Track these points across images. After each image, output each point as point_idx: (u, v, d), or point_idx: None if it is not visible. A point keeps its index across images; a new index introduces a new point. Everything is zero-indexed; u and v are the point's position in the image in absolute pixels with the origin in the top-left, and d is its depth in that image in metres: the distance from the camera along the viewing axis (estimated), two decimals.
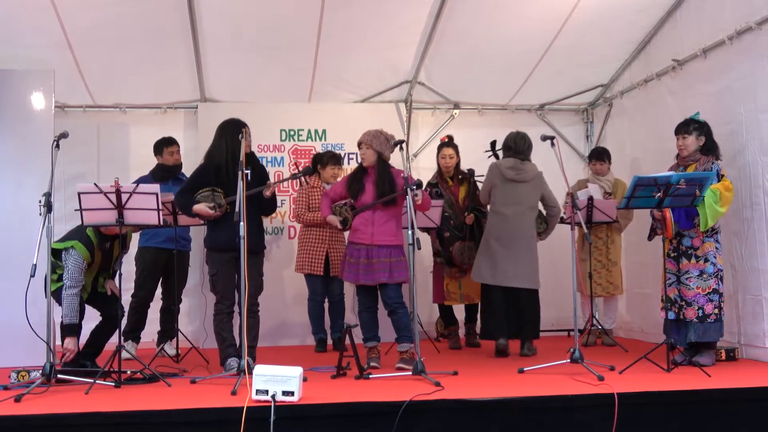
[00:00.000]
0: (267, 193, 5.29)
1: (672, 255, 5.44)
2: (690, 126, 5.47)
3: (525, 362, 5.32)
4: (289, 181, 7.04)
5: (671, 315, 5.39)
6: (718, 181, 5.27)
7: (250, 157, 5.43)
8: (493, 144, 6.74)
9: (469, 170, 6.88)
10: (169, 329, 6.47)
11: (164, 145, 6.66)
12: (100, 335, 5.31)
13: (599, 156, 7.01)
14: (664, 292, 5.44)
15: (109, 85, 7.11)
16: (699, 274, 5.32)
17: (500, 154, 6.48)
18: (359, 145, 5.58)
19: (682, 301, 5.34)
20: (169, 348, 6.38)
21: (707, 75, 6.09)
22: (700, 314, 5.28)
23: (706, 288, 5.31)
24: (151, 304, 6.51)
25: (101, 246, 5.17)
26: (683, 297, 5.34)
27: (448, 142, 6.93)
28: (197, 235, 6.91)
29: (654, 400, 4.29)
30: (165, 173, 6.56)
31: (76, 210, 4.89)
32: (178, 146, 6.75)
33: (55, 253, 5.03)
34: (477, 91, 7.76)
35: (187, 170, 6.77)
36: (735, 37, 5.70)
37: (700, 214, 5.23)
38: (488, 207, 6.40)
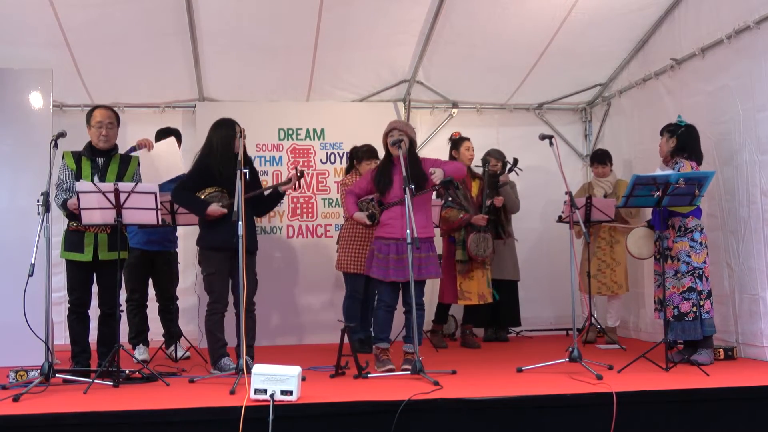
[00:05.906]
0: (289, 188, 5.48)
1: (657, 257, 5.52)
2: (664, 129, 5.62)
3: (523, 361, 5.32)
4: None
5: (661, 315, 5.41)
6: None
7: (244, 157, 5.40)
8: (516, 161, 7.13)
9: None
10: (171, 331, 6.42)
11: (159, 136, 6.33)
12: (107, 333, 5.19)
13: (601, 159, 7.01)
14: (654, 293, 5.48)
15: (107, 84, 7.10)
16: (674, 274, 5.40)
17: (518, 171, 7.14)
18: (392, 132, 5.27)
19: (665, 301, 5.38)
20: (180, 350, 6.28)
21: (705, 74, 6.10)
22: (676, 313, 5.34)
23: (680, 287, 5.36)
24: (149, 304, 6.42)
25: (90, 157, 5.23)
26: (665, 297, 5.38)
27: (465, 137, 6.93)
28: (188, 234, 6.88)
29: (652, 399, 4.30)
30: None
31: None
32: (173, 137, 6.31)
33: None
34: (475, 90, 7.76)
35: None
36: (733, 36, 5.71)
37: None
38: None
